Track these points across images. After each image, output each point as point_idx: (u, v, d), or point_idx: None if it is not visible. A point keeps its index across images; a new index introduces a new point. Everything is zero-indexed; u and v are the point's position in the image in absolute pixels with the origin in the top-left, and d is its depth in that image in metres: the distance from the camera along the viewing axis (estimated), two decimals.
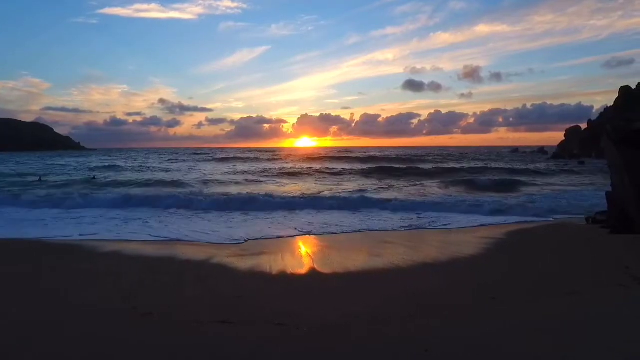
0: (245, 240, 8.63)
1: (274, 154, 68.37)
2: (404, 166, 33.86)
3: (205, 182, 22.79)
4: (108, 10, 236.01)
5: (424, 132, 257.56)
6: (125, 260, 7.01)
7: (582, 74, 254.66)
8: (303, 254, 7.62)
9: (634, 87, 52.44)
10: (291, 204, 13.68)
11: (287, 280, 5.91)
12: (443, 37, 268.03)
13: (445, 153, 75.22)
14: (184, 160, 49.09)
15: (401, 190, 18.98)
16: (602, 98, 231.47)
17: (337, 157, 52.79)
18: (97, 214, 12.08)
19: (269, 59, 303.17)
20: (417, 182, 22.62)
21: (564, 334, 3.62)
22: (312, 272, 6.22)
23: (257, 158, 54.88)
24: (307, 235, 9.36)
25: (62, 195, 15.31)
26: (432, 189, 19.26)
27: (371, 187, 20.49)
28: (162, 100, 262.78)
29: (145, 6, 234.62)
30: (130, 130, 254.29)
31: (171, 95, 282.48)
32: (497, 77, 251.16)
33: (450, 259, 6.97)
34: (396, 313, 4.34)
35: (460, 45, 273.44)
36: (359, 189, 19.53)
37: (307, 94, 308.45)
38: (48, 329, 3.90)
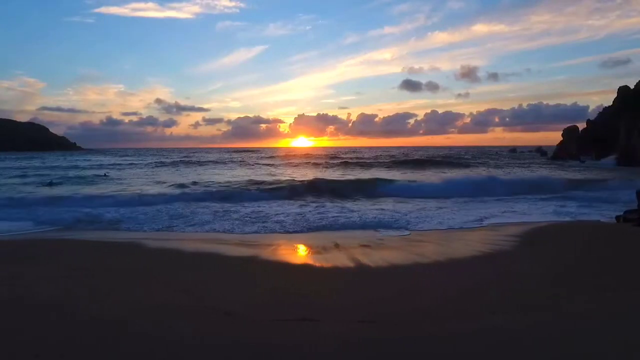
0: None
1: (261, 156, 63.23)
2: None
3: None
4: (104, 10, 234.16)
5: (421, 132, 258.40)
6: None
7: (578, 74, 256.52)
8: (374, 248, 7.75)
9: (632, 87, 52.96)
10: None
11: (357, 274, 5.94)
12: (441, 37, 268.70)
13: (452, 153, 75.88)
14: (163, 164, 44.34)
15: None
16: (598, 98, 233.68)
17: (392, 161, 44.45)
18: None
19: (267, 59, 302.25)
20: None
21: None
22: (383, 267, 6.27)
23: (242, 161, 49.42)
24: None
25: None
26: None
27: None
28: (158, 100, 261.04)
29: (142, 5, 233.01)
30: (127, 130, 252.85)
31: (167, 95, 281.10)
32: (494, 77, 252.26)
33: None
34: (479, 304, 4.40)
35: (457, 45, 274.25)
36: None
37: (304, 94, 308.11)
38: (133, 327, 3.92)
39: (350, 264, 6.74)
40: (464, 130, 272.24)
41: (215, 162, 42.66)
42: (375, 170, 31.35)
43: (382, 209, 12.68)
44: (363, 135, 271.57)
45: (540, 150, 69.75)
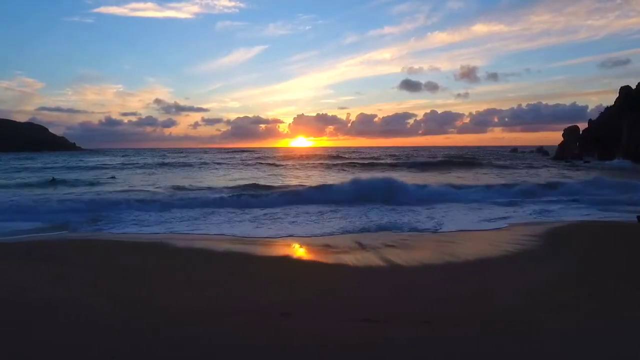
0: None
1: (264, 157, 60.66)
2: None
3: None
4: (103, 9, 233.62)
5: (420, 132, 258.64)
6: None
7: (577, 74, 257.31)
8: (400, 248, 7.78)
9: (633, 87, 53.12)
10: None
11: (391, 273, 5.93)
12: (440, 37, 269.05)
13: (455, 153, 75.24)
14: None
15: None
16: (597, 98, 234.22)
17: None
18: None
19: (266, 59, 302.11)
20: None
21: None
22: (415, 266, 6.26)
23: (252, 163, 51.09)
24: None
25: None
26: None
27: None
28: (157, 100, 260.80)
29: (141, 5, 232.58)
30: (126, 131, 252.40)
31: (167, 95, 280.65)
32: (493, 77, 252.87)
33: None
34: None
35: (457, 45, 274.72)
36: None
37: (303, 94, 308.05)
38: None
39: (382, 263, 6.74)
40: (463, 130, 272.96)
41: (220, 164, 41.29)
42: (395, 172, 29.13)
43: (414, 211, 12.42)
44: (362, 135, 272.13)
45: (541, 150, 69.92)
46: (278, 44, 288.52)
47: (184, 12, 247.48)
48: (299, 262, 7.12)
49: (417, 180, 21.20)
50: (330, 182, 19.66)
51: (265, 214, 11.97)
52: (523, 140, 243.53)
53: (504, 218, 11.29)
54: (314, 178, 25.01)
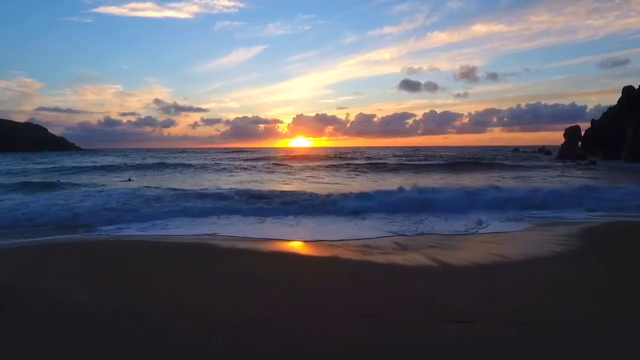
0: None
1: (267, 157, 59.53)
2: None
3: None
4: (103, 9, 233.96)
5: (419, 132, 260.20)
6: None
7: (576, 74, 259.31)
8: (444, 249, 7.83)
9: (636, 86, 53.32)
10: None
11: (447, 273, 5.97)
12: (440, 37, 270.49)
13: (458, 154, 74.74)
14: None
15: None
16: (596, 98, 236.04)
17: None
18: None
19: (265, 59, 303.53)
20: None
21: None
22: (467, 266, 6.30)
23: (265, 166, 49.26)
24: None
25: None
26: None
27: None
28: (157, 101, 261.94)
29: (140, 5, 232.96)
30: (125, 131, 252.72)
31: (166, 95, 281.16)
32: (493, 77, 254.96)
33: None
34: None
35: (457, 45, 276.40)
36: None
37: (303, 94, 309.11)
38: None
39: (434, 264, 6.78)
40: (462, 130, 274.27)
41: (233, 165, 39.50)
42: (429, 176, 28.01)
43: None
44: (361, 135, 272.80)
45: (543, 150, 70.21)
46: (277, 44, 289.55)
47: (184, 12, 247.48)
48: (351, 263, 7.11)
49: (449, 182, 21.14)
50: (356, 187, 19.47)
51: (299, 219, 11.47)
52: (522, 140, 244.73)
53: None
54: (341, 185, 22.26)
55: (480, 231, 9.80)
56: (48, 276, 5.92)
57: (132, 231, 9.76)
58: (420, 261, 6.96)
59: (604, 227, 10.16)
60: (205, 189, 17.59)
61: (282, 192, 15.77)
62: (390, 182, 22.10)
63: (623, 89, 53.54)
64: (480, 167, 36.74)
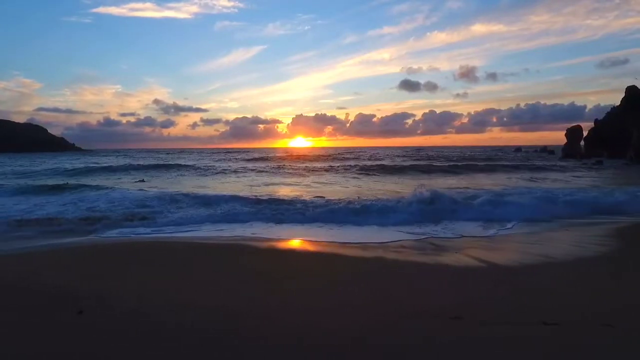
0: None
1: (272, 159, 56.12)
2: None
3: None
4: (102, 9, 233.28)
5: (418, 132, 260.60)
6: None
7: (576, 73, 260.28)
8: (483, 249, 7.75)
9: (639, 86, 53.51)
10: None
11: (502, 273, 5.98)
12: (440, 37, 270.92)
13: (469, 153, 73.66)
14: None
15: None
16: (595, 98, 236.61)
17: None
18: None
19: (265, 59, 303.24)
20: None
21: None
22: (515, 267, 6.32)
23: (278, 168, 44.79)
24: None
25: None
26: None
27: None
28: (156, 101, 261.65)
29: (140, 5, 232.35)
30: (124, 131, 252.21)
31: (165, 95, 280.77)
32: (492, 77, 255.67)
33: None
34: None
35: (456, 45, 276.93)
36: None
37: (302, 94, 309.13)
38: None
39: (482, 264, 6.80)
40: (461, 130, 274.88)
41: (236, 168, 36.82)
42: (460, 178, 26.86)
43: None
44: (361, 135, 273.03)
45: (546, 150, 70.36)
46: (277, 44, 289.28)
47: (183, 12, 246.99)
48: (399, 263, 7.12)
49: (483, 184, 20.74)
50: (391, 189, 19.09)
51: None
52: (521, 140, 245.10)
53: None
54: (364, 189, 20.05)
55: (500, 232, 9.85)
56: (107, 278, 5.91)
57: (171, 232, 9.79)
58: (467, 262, 6.98)
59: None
60: (227, 193, 17.14)
61: (299, 197, 15.47)
62: (442, 183, 22.10)
63: (626, 88, 53.80)
64: (496, 168, 35.88)
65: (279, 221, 11.00)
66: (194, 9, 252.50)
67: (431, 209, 11.93)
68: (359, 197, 14.84)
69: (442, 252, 7.77)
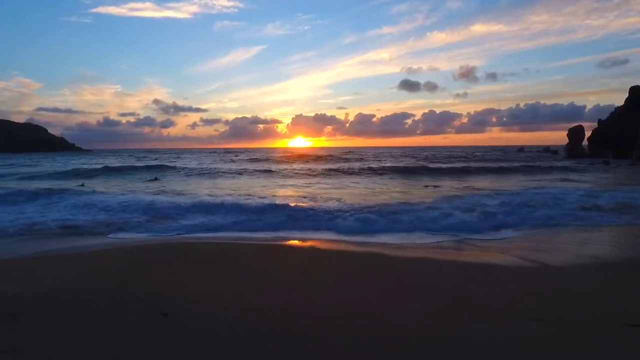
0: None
1: (282, 161, 52.93)
2: None
3: None
4: (102, 9, 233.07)
5: (418, 131, 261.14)
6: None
7: (575, 73, 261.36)
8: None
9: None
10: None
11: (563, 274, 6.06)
12: (439, 37, 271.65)
13: (472, 153, 72.79)
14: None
15: None
16: (594, 98, 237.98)
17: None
18: None
19: (265, 59, 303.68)
20: None
21: None
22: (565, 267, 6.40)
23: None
24: None
25: None
26: None
27: None
28: (156, 101, 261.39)
29: (139, 5, 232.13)
30: (124, 131, 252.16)
31: (165, 95, 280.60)
32: (492, 77, 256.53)
33: None
34: None
35: (456, 45, 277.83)
36: None
37: (302, 94, 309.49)
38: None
39: (530, 264, 6.90)
40: (461, 130, 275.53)
41: (243, 169, 35.35)
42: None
43: None
44: (360, 135, 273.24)
45: (549, 150, 70.56)
46: (277, 44, 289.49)
47: (183, 12, 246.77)
48: (444, 262, 7.18)
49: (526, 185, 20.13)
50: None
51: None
52: (521, 140, 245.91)
53: None
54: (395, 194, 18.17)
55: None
56: (171, 278, 5.97)
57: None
58: (516, 262, 7.08)
59: None
60: (251, 195, 16.95)
61: (317, 199, 15.18)
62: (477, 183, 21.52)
63: (630, 89, 53.98)
64: (507, 169, 34.88)
65: (330, 227, 10.73)
66: (194, 8, 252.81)
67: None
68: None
69: (486, 251, 7.82)
